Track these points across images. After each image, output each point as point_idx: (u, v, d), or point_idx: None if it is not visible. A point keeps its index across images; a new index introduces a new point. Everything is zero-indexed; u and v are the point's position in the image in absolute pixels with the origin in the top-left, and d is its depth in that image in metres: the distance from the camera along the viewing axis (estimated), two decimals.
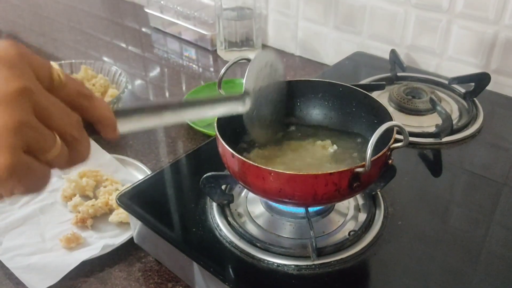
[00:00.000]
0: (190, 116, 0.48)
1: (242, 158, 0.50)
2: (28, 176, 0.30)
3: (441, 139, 0.75)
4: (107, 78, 0.99)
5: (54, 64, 0.33)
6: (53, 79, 0.32)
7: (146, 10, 1.37)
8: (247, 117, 0.55)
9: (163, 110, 0.43)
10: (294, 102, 0.66)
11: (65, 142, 0.32)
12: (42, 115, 0.30)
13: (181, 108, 0.46)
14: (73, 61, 1.03)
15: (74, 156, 0.33)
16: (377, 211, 0.60)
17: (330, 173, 0.48)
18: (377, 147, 0.48)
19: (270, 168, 0.49)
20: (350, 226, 0.59)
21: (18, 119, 0.28)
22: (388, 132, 0.51)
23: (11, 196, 0.31)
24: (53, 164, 0.32)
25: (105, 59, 1.25)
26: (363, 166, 0.48)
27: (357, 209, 0.61)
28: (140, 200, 0.63)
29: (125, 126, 0.39)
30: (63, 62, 1.03)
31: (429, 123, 0.80)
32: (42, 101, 0.30)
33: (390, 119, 0.55)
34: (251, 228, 0.58)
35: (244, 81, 0.55)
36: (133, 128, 0.41)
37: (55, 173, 0.80)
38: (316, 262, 0.53)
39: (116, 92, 0.95)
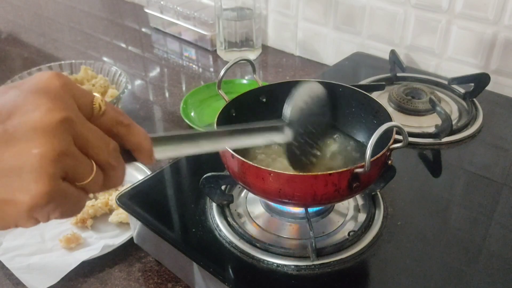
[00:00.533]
0: (228, 145, 0.47)
1: (241, 158, 0.50)
2: (64, 202, 0.31)
3: (440, 140, 0.75)
4: (107, 78, 0.99)
5: (96, 94, 0.34)
6: (94, 108, 0.33)
7: (146, 10, 1.37)
8: (287, 148, 0.54)
9: (200, 138, 0.43)
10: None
11: (101, 168, 0.33)
12: (81, 143, 0.31)
13: (219, 137, 0.45)
14: (73, 61, 1.03)
15: (108, 182, 0.34)
16: (377, 212, 0.60)
17: (330, 174, 0.48)
18: (377, 148, 0.48)
19: (269, 169, 0.49)
20: (350, 226, 0.59)
21: (58, 149, 0.29)
22: (388, 132, 0.51)
23: (47, 221, 0.32)
24: (87, 189, 0.33)
25: (105, 59, 1.25)
26: (362, 166, 0.48)
27: (357, 209, 0.61)
28: (140, 200, 0.63)
29: (161, 154, 0.39)
30: (63, 62, 1.03)
31: (429, 123, 0.80)
32: (82, 131, 0.31)
33: (390, 119, 0.55)
34: (251, 229, 0.59)
35: (284, 110, 0.53)
36: (170, 155, 0.41)
37: None
38: (315, 263, 0.53)
39: (116, 92, 0.95)
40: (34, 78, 0.31)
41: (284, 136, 0.52)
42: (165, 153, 0.40)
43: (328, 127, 0.61)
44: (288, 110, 0.53)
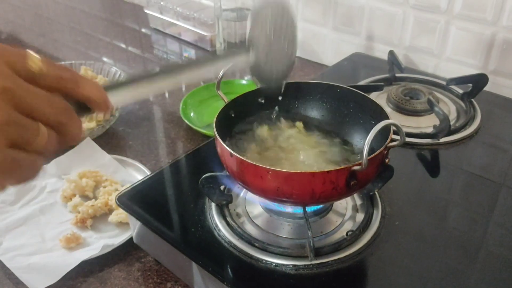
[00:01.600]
0: (188, 76, 0.46)
1: (240, 157, 0.50)
2: (15, 168, 0.31)
3: (438, 140, 0.75)
4: (107, 79, 1.00)
5: (31, 53, 0.33)
6: (31, 68, 0.32)
7: (146, 11, 1.38)
8: (253, 69, 0.53)
9: (157, 75, 0.42)
10: (292, 103, 0.67)
11: (52, 128, 0.33)
12: (23, 108, 0.31)
13: (175, 70, 0.44)
14: (73, 61, 1.04)
15: (65, 139, 0.34)
16: (375, 211, 0.60)
17: (328, 171, 0.48)
18: (375, 147, 0.48)
19: (267, 167, 0.49)
20: (348, 226, 0.59)
21: None
22: (385, 131, 0.51)
23: (3, 189, 0.32)
24: (42, 151, 0.32)
25: (105, 59, 1.26)
26: (360, 164, 0.48)
27: (355, 209, 0.61)
28: (140, 200, 0.64)
29: (117, 98, 0.39)
30: (63, 62, 1.03)
31: (427, 123, 0.80)
32: (22, 95, 0.31)
33: (387, 119, 0.56)
34: (250, 228, 0.59)
35: (247, 31, 0.52)
36: (127, 99, 0.41)
37: (55, 173, 0.80)
38: (314, 262, 0.54)
39: None
40: None
41: (249, 57, 0.51)
42: (121, 97, 0.39)
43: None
44: (248, 30, 0.51)
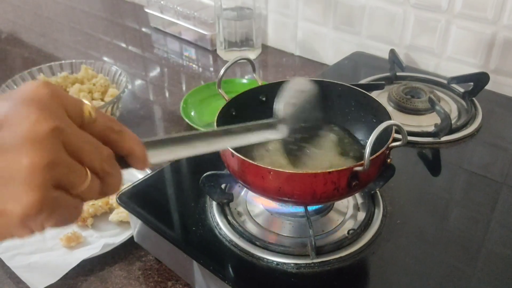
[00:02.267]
0: (222, 145, 0.47)
1: (241, 157, 0.50)
2: (57, 210, 0.31)
3: (440, 139, 0.75)
4: (107, 78, 1.00)
5: (86, 102, 0.34)
6: (84, 116, 0.33)
7: (146, 10, 1.37)
8: (284, 143, 0.55)
9: (194, 140, 0.43)
10: None
11: (96, 175, 0.33)
12: (73, 151, 0.31)
13: (213, 138, 0.45)
14: (74, 61, 1.03)
15: (106, 188, 0.34)
16: (376, 210, 0.60)
17: (329, 172, 0.48)
18: (376, 146, 0.48)
19: (269, 167, 0.49)
20: (349, 225, 0.59)
21: (48, 158, 0.29)
22: (387, 131, 0.51)
23: (42, 230, 0.32)
24: (84, 196, 0.33)
25: (105, 59, 1.25)
26: (362, 165, 0.48)
27: (356, 208, 0.61)
28: (140, 199, 0.64)
29: (155, 158, 0.39)
30: (63, 62, 1.03)
31: (428, 122, 0.80)
32: (73, 138, 0.31)
33: (389, 118, 0.55)
34: (251, 227, 0.59)
35: (275, 107, 0.53)
36: (164, 159, 0.41)
37: None
38: (315, 261, 0.53)
39: (116, 92, 0.96)
40: (22, 88, 0.31)
41: (278, 133, 0.52)
42: (159, 157, 0.40)
43: (321, 121, 0.61)
44: (280, 106, 0.53)
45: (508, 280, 0.52)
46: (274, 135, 0.51)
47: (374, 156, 0.49)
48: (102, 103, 0.93)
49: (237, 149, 0.51)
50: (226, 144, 0.48)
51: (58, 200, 0.30)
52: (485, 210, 0.62)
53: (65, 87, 0.97)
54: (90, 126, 0.34)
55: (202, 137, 0.44)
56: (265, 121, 0.50)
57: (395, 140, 0.52)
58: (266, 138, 0.51)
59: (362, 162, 0.48)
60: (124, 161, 0.37)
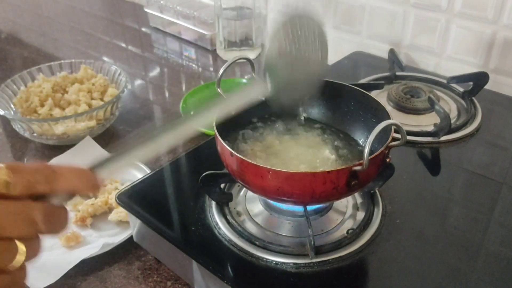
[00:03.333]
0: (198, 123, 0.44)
1: (240, 156, 0.50)
2: None
3: (439, 138, 0.75)
4: (106, 78, 1.00)
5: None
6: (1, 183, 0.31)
7: (146, 10, 1.37)
8: (271, 100, 0.49)
9: (158, 134, 0.40)
10: None
11: (33, 238, 0.31)
12: None
13: (178, 124, 0.42)
14: (73, 60, 1.03)
15: (50, 235, 0.33)
16: (376, 210, 0.60)
17: (328, 172, 0.48)
18: (375, 146, 0.48)
19: (268, 167, 0.49)
20: (349, 224, 0.59)
21: None
22: (386, 130, 0.51)
23: None
24: (24, 265, 0.31)
25: (105, 58, 1.25)
26: (361, 164, 0.48)
27: (356, 207, 0.61)
28: (139, 199, 0.64)
29: (110, 171, 0.37)
30: (63, 61, 1.03)
31: (428, 122, 0.80)
32: None
33: (388, 118, 0.55)
34: (250, 227, 0.59)
35: (266, 54, 0.46)
36: (122, 168, 0.39)
37: None
38: (314, 260, 0.53)
39: (115, 92, 0.95)
40: None
41: (266, 90, 0.46)
42: (114, 169, 0.37)
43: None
44: (272, 53, 0.44)
45: (507, 280, 0.52)
46: (261, 93, 0.46)
47: (373, 155, 0.49)
48: (102, 103, 0.93)
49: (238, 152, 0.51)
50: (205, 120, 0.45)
51: None
52: (485, 209, 0.62)
53: (64, 87, 0.97)
54: (9, 189, 0.31)
55: (171, 127, 0.42)
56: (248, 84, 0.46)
57: (394, 139, 0.52)
58: (253, 98, 0.46)
59: (361, 161, 0.47)
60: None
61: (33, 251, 0.31)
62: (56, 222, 0.33)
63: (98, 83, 0.97)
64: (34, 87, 0.94)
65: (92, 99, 0.95)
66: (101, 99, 0.95)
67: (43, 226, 0.32)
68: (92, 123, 0.87)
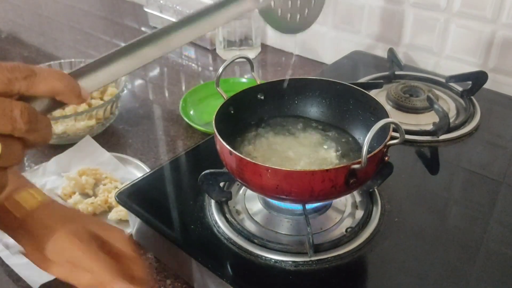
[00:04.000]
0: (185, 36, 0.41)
1: (239, 155, 0.51)
2: None
3: (438, 137, 0.75)
4: None
5: None
6: None
7: (146, 9, 1.38)
8: (262, 12, 0.47)
9: (144, 42, 0.38)
10: (292, 99, 0.67)
11: (12, 138, 0.30)
12: None
13: (165, 33, 0.39)
14: (73, 60, 1.03)
15: (34, 141, 0.32)
16: (374, 208, 0.61)
17: (327, 170, 0.48)
18: (374, 144, 0.48)
19: (267, 165, 0.49)
20: (347, 223, 0.59)
21: None
22: (385, 129, 0.51)
23: None
24: (4, 164, 0.30)
25: None
26: (359, 162, 0.48)
27: (354, 206, 0.62)
28: (139, 197, 0.64)
29: (93, 83, 0.35)
30: (62, 61, 1.03)
31: (427, 121, 0.80)
32: None
33: (387, 116, 0.56)
34: (249, 225, 0.59)
35: None
36: (105, 81, 0.36)
37: (55, 171, 0.80)
38: (313, 258, 0.54)
39: (115, 91, 0.96)
40: None
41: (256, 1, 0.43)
42: (97, 81, 0.35)
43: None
44: None
45: (506, 279, 0.52)
46: (250, 4, 0.43)
47: (372, 154, 0.49)
48: (101, 102, 0.93)
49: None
50: (188, 35, 0.42)
51: None
52: (484, 208, 0.62)
53: None
54: None
55: (147, 40, 0.39)
56: None
57: (393, 138, 0.52)
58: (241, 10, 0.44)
59: (360, 160, 0.48)
60: (54, 102, 0.33)
61: (12, 154, 0.30)
62: (37, 129, 0.31)
63: None
64: None
65: (91, 98, 0.95)
66: (101, 99, 0.96)
67: (23, 125, 0.30)
68: (92, 122, 0.87)
